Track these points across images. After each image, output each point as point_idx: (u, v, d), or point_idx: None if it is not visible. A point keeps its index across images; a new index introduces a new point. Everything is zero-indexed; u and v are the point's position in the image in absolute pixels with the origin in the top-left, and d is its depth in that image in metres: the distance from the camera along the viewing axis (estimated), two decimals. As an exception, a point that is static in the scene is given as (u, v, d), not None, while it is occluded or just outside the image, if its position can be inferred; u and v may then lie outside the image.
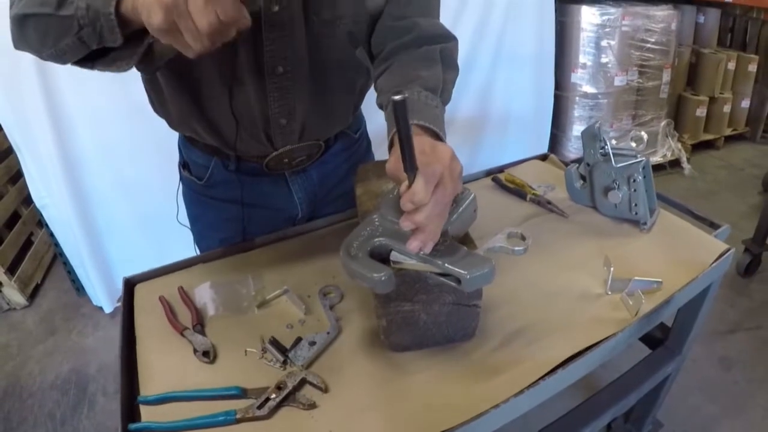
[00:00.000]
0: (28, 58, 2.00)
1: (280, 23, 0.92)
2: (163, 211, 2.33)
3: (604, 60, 3.31)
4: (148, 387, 0.85)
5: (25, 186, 2.44)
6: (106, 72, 0.80)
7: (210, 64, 0.96)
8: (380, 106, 0.98)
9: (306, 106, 1.06)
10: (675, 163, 3.91)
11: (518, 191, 1.35)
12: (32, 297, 2.82)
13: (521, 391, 0.81)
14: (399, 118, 0.62)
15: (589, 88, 3.39)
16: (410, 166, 0.67)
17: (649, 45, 3.38)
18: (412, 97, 0.88)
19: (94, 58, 0.78)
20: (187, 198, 1.27)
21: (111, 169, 2.32)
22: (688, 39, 4.14)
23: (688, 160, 3.94)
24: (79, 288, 2.74)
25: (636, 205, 1.18)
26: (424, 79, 0.94)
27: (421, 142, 0.70)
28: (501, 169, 1.49)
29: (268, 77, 0.99)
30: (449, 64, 1.00)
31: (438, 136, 0.83)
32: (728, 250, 1.10)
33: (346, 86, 1.13)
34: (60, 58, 0.79)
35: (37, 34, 0.77)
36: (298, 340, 0.91)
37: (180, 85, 1.02)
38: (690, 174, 3.88)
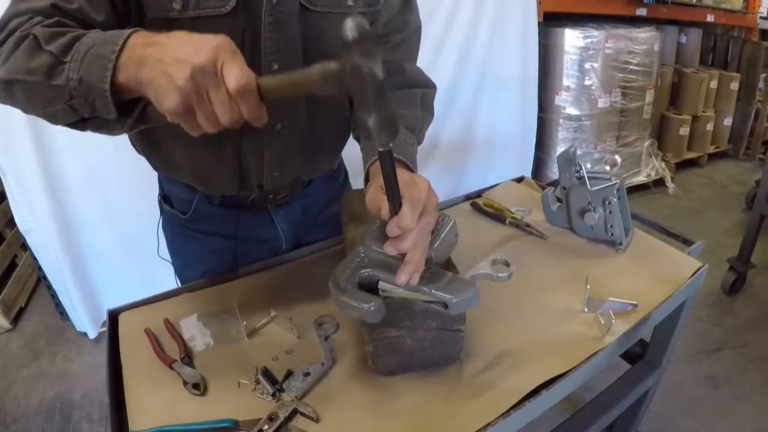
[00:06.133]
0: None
1: None
2: (147, 236, 2.30)
3: (587, 82, 3.34)
4: (139, 421, 0.83)
5: (8, 208, 2.41)
6: (97, 134, 0.76)
7: None
8: (357, 139, 1.04)
9: (298, 158, 1.08)
10: (659, 183, 3.95)
11: (497, 215, 1.37)
12: (16, 321, 2.78)
13: (508, 412, 0.81)
14: (384, 165, 0.68)
15: (572, 110, 3.42)
16: (394, 200, 0.71)
17: (631, 66, 3.43)
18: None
19: (84, 119, 0.73)
20: (168, 231, 1.25)
21: (95, 195, 2.31)
22: (671, 59, 4.21)
23: (672, 179, 3.99)
24: (63, 312, 2.70)
25: (612, 226, 1.20)
26: (406, 118, 1.00)
27: (401, 174, 0.73)
28: (479, 194, 1.51)
29: (266, 134, 0.99)
30: (427, 109, 1.09)
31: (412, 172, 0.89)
32: (702, 266, 1.12)
33: (336, 135, 1.17)
34: (49, 120, 0.76)
35: (25, 98, 0.75)
36: (289, 372, 0.90)
37: (175, 140, 1.01)
38: (674, 193, 3.92)
